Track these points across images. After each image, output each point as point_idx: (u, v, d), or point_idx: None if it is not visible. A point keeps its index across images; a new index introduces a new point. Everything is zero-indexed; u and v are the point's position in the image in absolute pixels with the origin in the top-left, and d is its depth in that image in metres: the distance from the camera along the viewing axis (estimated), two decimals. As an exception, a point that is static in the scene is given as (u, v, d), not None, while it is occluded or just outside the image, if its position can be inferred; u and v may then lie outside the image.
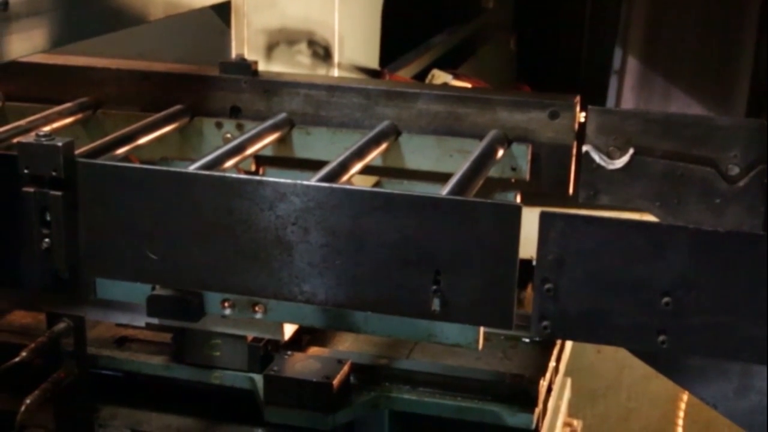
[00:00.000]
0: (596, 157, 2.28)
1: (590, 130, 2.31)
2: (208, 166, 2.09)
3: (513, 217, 1.60)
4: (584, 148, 2.29)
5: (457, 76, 3.18)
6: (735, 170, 2.22)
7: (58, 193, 1.73)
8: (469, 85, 3.13)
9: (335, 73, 3.54)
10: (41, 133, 1.74)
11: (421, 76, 4.62)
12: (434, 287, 1.65)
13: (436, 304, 1.66)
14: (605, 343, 1.65)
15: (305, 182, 1.68)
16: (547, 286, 1.62)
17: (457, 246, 1.64)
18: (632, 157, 2.26)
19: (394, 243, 1.65)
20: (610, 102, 5.92)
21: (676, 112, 5.69)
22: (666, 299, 1.58)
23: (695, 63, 5.86)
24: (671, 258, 1.57)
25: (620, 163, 2.26)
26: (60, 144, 1.71)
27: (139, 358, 2.21)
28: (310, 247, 1.68)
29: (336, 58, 3.54)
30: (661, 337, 1.60)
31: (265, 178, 1.68)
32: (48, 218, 1.75)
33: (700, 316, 1.58)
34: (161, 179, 1.72)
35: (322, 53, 3.40)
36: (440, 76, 3.22)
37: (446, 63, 5.21)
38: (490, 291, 1.64)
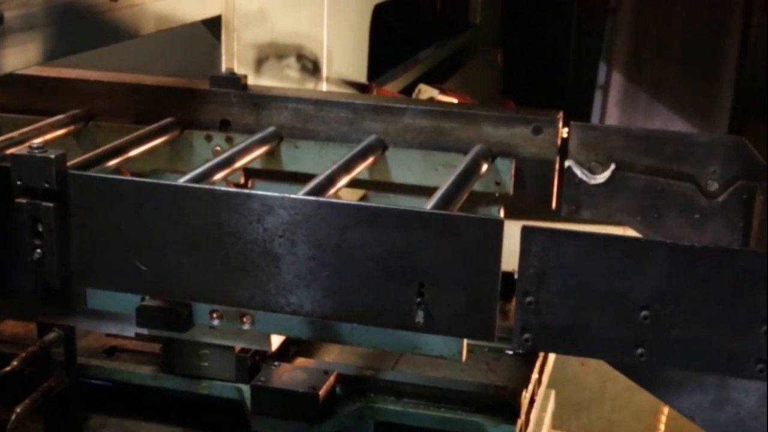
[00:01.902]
0: (578, 172, 2.32)
1: (573, 146, 2.35)
2: (197, 179, 2.12)
3: (495, 232, 1.64)
4: (567, 163, 2.33)
5: (443, 91, 3.23)
6: (714, 186, 2.26)
7: (50, 204, 1.77)
8: (455, 101, 3.17)
9: (324, 86, 3.58)
10: (34, 146, 1.77)
11: (408, 90, 4.67)
12: (418, 299, 1.69)
13: (420, 316, 1.70)
14: (585, 355, 1.69)
15: (292, 196, 1.72)
16: (529, 299, 1.66)
17: (440, 259, 1.67)
18: (613, 172, 2.30)
19: (379, 256, 1.69)
20: (595, 117, 5.98)
21: (658, 128, 5.76)
22: (644, 313, 1.62)
23: (678, 79, 5.93)
24: (649, 272, 1.60)
25: (602, 178, 2.30)
26: (53, 156, 1.75)
27: (128, 368, 2.24)
28: (297, 259, 1.72)
29: (324, 72, 3.58)
30: (640, 350, 1.63)
31: (253, 192, 1.72)
32: (40, 229, 1.78)
33: (677, 330, 1.62)
34: (151, 192, 1.75)
35: (311, 67, 3.45)
36: (427, 91, 3.26)
37: (434, 77, 5.27)
38: (472, 304, 1.68)
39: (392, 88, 4.56)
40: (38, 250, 1.79)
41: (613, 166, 2.30)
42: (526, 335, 1.68)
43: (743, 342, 1.59)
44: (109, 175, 1.78)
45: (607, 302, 1.64)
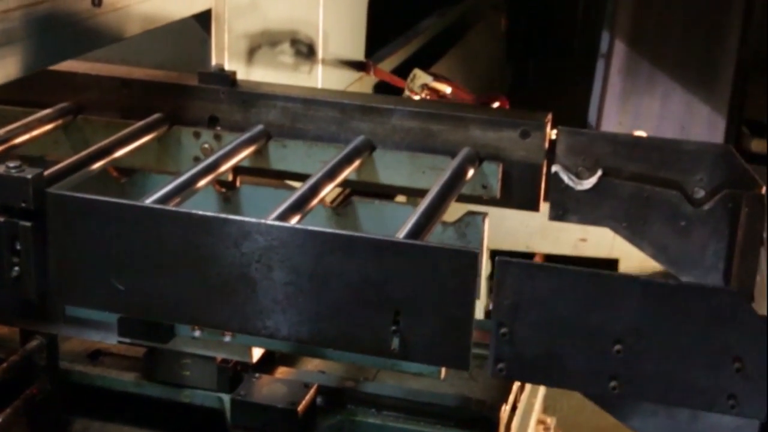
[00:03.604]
0: (565, 177, 2.31)
1: (560, 151, 2.35)
2: (186, 183, 2.13)
3: (469, 263, 1.64)
4: (553, 168, 2.33)
5: (437, 78, 3.21)
6: (700, 193, 2.25)
7: (28, 223, 1.77)
8: (448, 89, 3.16)
9: (319, 69, 3.56)
10: (11, 165, 1.77)
11: (408, 63, 4.64)
12: (393, 327, 1.70)
13: (395, 344, 1.70)
14: (559, 386, 1.70)
15: (269, 222, 1.72)
16: (503, 330, 1.67)
17: (415, 288, 1.68)
18: (600, 178, 2.30)
19: (354, 283, 1.69)
20: (597, 86, 5.94)
21: (659, 101, 5.73)
22: (617, 347, 1.62)
23: (681, 47, 5.89)
24: (623, 307, 1.61)
25: (588, 184, 2.30)
26: (29, 176, 1.75)
27: (111, 374, 2.25)
28: (273, 284, 1.72)
29: (320, 54, 3.57)
30: (613, 383, 1.64)
31: (229, 217, 1.71)
32: (18, 247, 1.78)
33: (650, 364, 1.63)
34: (128, 213, 1.76)
35: (306, 51, 3.43)
36: (421, 77, 3.24)
37: (435, 47, 5.24)
38: (447, 333, 1.69)
39: (392, 61, 4.54)
40: (16, 268, 1.79)
41: (599, 172, 2.29)
42: (501, 365, 1.69)
43: (715, 378, 1.60)
44: (87, 195, 1.77)
45: (580, 335, 1.65)
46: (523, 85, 7.08)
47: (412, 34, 5.05)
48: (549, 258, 4.54)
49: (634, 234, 2.31)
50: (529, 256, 4.51)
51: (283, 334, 1.75)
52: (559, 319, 1.64)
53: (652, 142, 2.35)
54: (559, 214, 2.38)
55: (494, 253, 3.85)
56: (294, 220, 1.95)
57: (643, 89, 5.96)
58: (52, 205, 1.78)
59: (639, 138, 2.35)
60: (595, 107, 6.01)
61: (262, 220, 1.72)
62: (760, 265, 2.02)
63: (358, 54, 4.02)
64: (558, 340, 1.66)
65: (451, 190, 2.22)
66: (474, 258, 1.64)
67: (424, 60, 5.04)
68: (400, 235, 1.82)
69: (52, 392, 2.14)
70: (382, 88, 4.11)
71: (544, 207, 2.34)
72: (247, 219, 1.72)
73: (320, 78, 3.51)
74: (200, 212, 1.73)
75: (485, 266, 3.27)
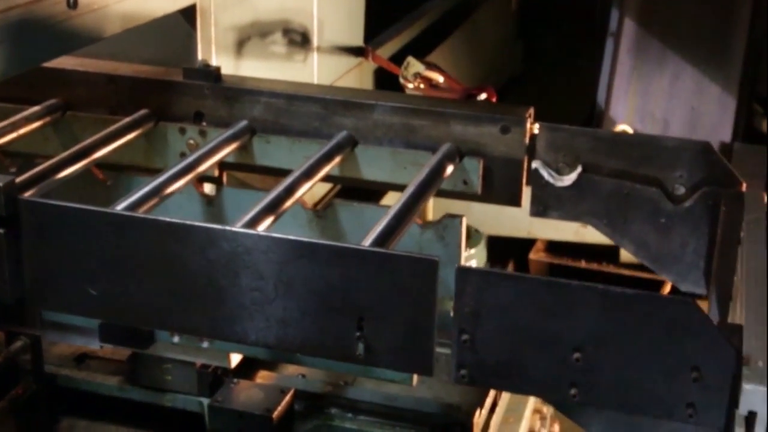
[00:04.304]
0: (545, 173, 2.32)
1: (540, 146, 2.35)
2: (172, 177, 2.17)
3: (430, 271, 1.66)
4: (534, 164, 2.33)
5: (429, 67, 3.21)
6: (680, 190, 2.25)
7: (1, 230, 1.80)
8: (440, 78, 3.15)
9: (314, 58, 3.57)
10: (-16, 173, 1.79)
11: (412, 45, 4.63)
12: (358, 333, 1.72)
13: (360, 349, 1.73)
14: (521, 392, 1.72)
15: (234, 229, 1.74)
16: (464, 336, 1.69)
17: (378, 295, 1.70)
18: (580, 174, 2.30)
19: (318, 290, 1.72)
20: (606, 65, 5.91)
21: (670, 82, 5.69)
22: (577, 354, 1.64)
23: (691, 26, 5.83)
24: (582, 316, 1.63)
25: (569, 180, 2.30)
26: (1, 184, 1.77)
27: (96, 378, 2.30)
28: (239, 290, 1.75)
29: (315, 42, 3.57)
30: (573, 390, 1.66)
31: (196, 224, 1.74)
32: (-8, 253, 1.81)
33: (609, 372, 1.65)
34: (99, 220, 1.78)
35: (300, 40, 3.44)
36: (414, 65, 3.24)
37: (440, 27, 5.21)
38: (410, 339, 1.71)
39: (394, 45, 4.53)
40: (-9, 273, 1.82)
41: (579, 169, 2.29)
42: (463, 371, 1.71)
43: (673, 387, 1.62)
44: (58, 202, 1.80)
45: (540, 342, 1.67)
46: (534, 63, 7.05)
47: (416, 15, 5.02)
48: (550, 244, 4.54)
49: (614, 231, 2.31)
50: (531, 242, 4.51)
51: (251, 339, 1.77)
52: (519, 327, 1.67)
53: (632, 139, 2.35)
54: (539, 210, 2.39)
55: (495, 240, 3.88)
56: (268, 223, 1.98)
57: (652, 68, 5.92)
58: (25, 212, 1.81)
59: (619, 134, 2.36)
60: (604, 87, 5.97)
61: (227, 227, 1.74)
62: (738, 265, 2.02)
63: (357, 39, 4.02)
64: (518, 347, 1.68)
65: (428, 187, 2.24)
66: (434, 265, 1.66)
67: (429, 42, 5.04)
68: (368, 240, 1.85)
69: (38, 392, 2.18)
70: (382, 73, 4.10)
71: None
72: (212, 226, 1.74)
73: (316, 67, 3.51)
74: (167, 219, 1.76)
75: (483, 256, 3.29)
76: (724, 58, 5.81)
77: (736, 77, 5.80)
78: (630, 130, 2.46)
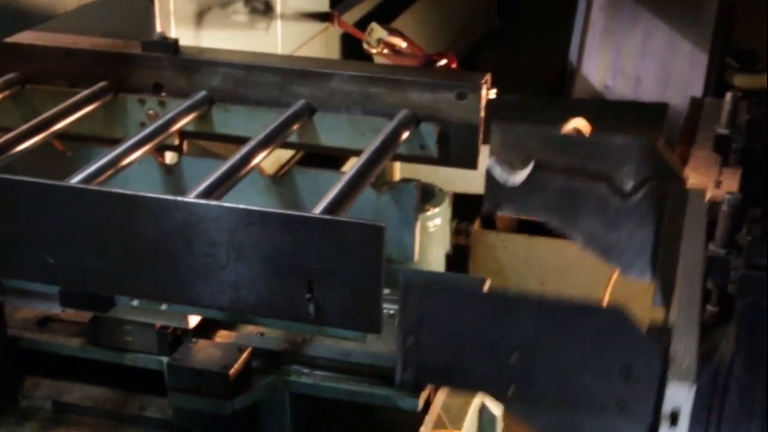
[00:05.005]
0: (498, 172, 2.34)
1: (494, 145, 2.36)
2: (131, 147, 2.21)
3: (377, 236, 1.71)
4: (487, 163, 2.35)
5: (392, 33, 3.25)
6: (627, 186, 2.28)
7: (-41, 202, 1.84)
8: (403, 44, 3.20)
9: (278, 25, 3.59)
10: (-59, 149, 1.83)
11: (382, 7, 4.64)
12: (308, 295, 1.77)
13: (310, 310, 1.78)
14: (464, 390, 1.81)
15: (186, 199, 1.79)
16: (410, 339, 1.78)
17: (326, 259, 1.75)
18: (532, 171, 2.33)
19: (269, 255, 1.77)
20: (579, 23, 5.92)
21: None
22: (515, 356, 1.74)
23: (664, -18, 5.85)
24: (519, 322, 1.73)
25: (520, 177, 2.33)
26: (-40, 159, 1.82)
27: (58, 340, 2.35)
28: (193, 257, 1.80)
29: (278, 9, 3.59)
30: (512, 388, 1.76)
31: (148, 195, 1.78)
32: (-49, 225, 1.86)
33: (545, 373, 1.75)
34: (52, 192, 1.82)
35: (262, 7, 3.46)
36: (377, 31, 3.28)
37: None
38: (358, 300, 1.77)
39: (362, 9, 4.54)
40: (-49, 242, 1.87)
41: (531, 166, 2.32)
42: (407, 373, 1.80)
43: (605, 385, 1.72)
44: (12, 176, 1.84)
45: (480, 346, 1.76)
46: (509, 21, 7.07)
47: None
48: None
49: (566, 224, 2.34)
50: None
51: (206, 302, 1.83)
52: (459, 332, 1.76)
53: (582, 139, 2.40)
54: (492, 205, 2.41)
55: (462, 197, 3.91)
56: (224, 190, 2.02)
57: (625, 25, 5.93)
58: (-19, 186, 1.85)
59: (569, 135, 2.40)
60: (577, 44, 6.00)
61: (179, 198, 1.78)
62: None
63: (323, 4, 4.03)
64: (460, 350, 1.77)
65: (384, 152, 2.28)
66: (380, 231, 1.71)
67: (400, 2, 5.05)
68: (320, 206, 1.90)
69: (2, 355, 2.24)
70: (349, 39, 4.12)
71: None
72: (164, 197, 1.79)
73: (279, 34, 3.54)
74: (120, 191, 1.80)
75: (447, 214, 3.34)
76: (697, 13, 5.83)
77: (709, 33, 5.83)
78: (582, 128, 2.50)
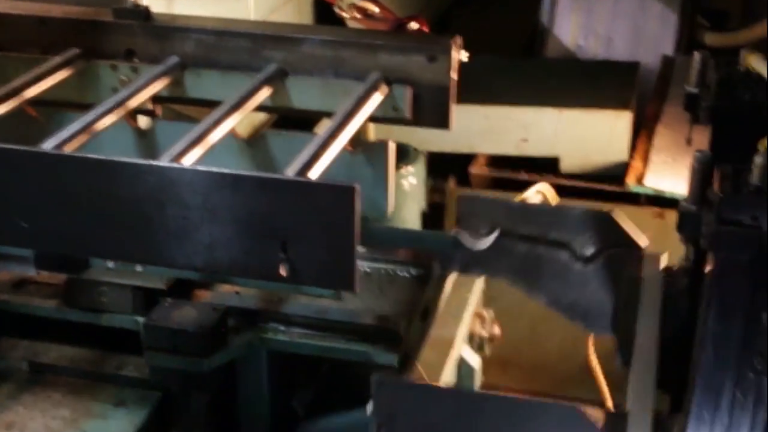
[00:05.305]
0: (464, 239, 2.37)
1: (460, 215, 2.40)
2: (104, 113, 2.23)
3: (349, 197, 1.74)
4: (453, 231, 2.39)
5: (364, -2, 3.26)
6: (587, 252, 2.33)
7: (-66, 171, 1.85)
8: (376, 9, 3.21)
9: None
10: None
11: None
12: (282, 256, 1.80)
13: (284, 270, 1.81)
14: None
15: (159, 163, 1.81)
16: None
17: (300, 221, 1.78)
18: (497, 239, 2.37)
19: (242, 218, 1.80)
20: (546, 7, 5.91)
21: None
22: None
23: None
24: (485, 418, 1.86)
25: (486, 243, 2.37)
26: (-68, 127, 1.83)
27: (33, 302, 2.38)
28: (167, 219, 1.82)
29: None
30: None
31: (122, 159, 1.80)
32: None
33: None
34: (26, 158, 1.84)
35: (234, -27, 3.46)
36: (351, -5, 3.30)
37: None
38: (332, 259, 1.80)
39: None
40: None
41: (496, 233, 2.36)
42: None
43: None
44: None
45: None
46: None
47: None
48: (492, 157, 4.57)
49: (530, 287, 2.40)
50: (471, 156, 4.57)
51: (180, 263, 1.86)
52: (429, 425, 1.88)
53: (542, 209, 2.53)
54: (462, 267, 2.45)
55: (437, 156, 3.94)
56: (196, 154, 2.04)
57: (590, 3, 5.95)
58: (-45, 153, 1.86)
59: (530, 204, 2.57)
60: (548, 5, 6.00)
61: (152, 162, 1.81)
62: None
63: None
64: None
65: (355, 114, 2.31)
66: (352, 192, 1.74)
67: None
68: (293, 167, 1.92)
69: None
70: (322, 4, 4.13)
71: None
72: (137, 161, 1.81)
73: (252, 0, 3.54)
74: (94, 156, 1.82)
75: (422, 172, 3.39)
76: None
77: (677, 11, 5.85)
78: (546, 192, 2.62)
